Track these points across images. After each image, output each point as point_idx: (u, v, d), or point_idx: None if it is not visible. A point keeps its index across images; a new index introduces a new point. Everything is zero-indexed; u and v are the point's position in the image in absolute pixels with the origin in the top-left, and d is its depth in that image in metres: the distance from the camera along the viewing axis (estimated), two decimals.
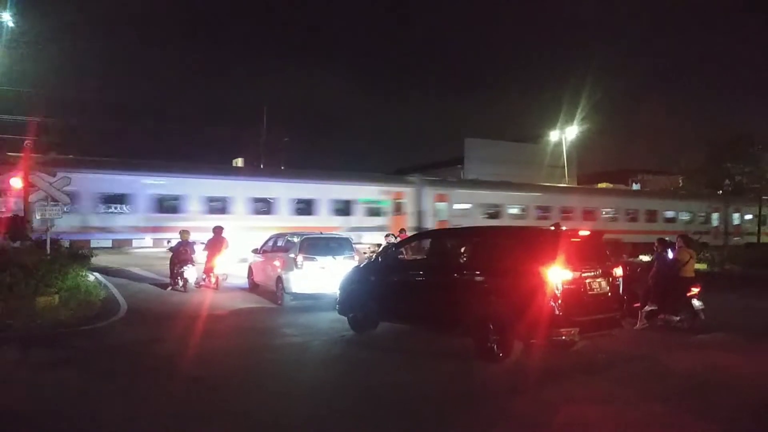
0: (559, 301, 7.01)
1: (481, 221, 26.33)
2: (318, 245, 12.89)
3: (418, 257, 9.42)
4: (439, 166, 46.46)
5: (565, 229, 8.08)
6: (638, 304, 9.78)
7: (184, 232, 14.83)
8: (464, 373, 7.13)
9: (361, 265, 10.38)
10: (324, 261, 12.31)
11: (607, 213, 31.23)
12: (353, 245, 13.46)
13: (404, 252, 9.93)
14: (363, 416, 5.53)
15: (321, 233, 14.63)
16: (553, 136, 41.59)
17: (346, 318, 9.65)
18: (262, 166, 37.83)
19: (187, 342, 8.72)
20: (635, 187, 47.56)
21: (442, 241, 9.34)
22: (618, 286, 7.83)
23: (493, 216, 27.83)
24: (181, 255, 14.18)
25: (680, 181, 46.22)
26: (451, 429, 5.24)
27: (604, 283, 7.63)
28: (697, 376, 6.96)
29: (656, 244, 10.38)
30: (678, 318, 9.71)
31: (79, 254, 15.32)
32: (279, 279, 12.72)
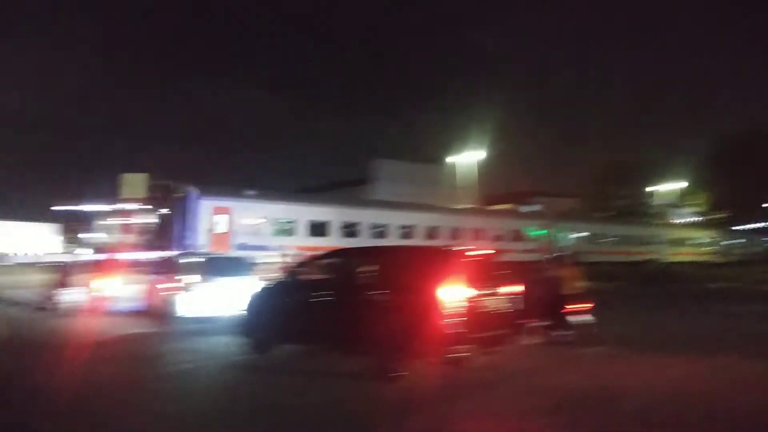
0: (455, 319, 7.18)
1: (272, 239, 22.07)
2: (212, 266, 12.47)
3: (322, 277, 9.33)
4: (347, 185, 46.76)
5: (462, 248, 8.34)
6: (530, 320, 10.24)
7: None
8: (362, 393, 7.08)
9: (267, 286, 10.13)
10: (218, 282, 11.87)
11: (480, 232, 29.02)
12: (251, 265, 13.09)
13: (310, 271, 9.81)
14: None
15: (215, 254, 14.18)
16: (460, 158, 43.16)
17: (246, 340, 9.34)
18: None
19: (67, 371, 8.01)
20: (533, 208, 50.34)
21: (345, 260, 9.31)
22: (513, 303, 8.17)
23: (288, 233, 23.00)
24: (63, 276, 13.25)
25: (575, 203, 49.58)
26: None
27: (500, 301, 7.93)
28: (578, 390, 7.34)
29: (546, 261, 11.00)
30: (567, 333, 10.27)
31: None
32: (169, 302, 12.06)
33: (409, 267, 8.14)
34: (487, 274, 8.01)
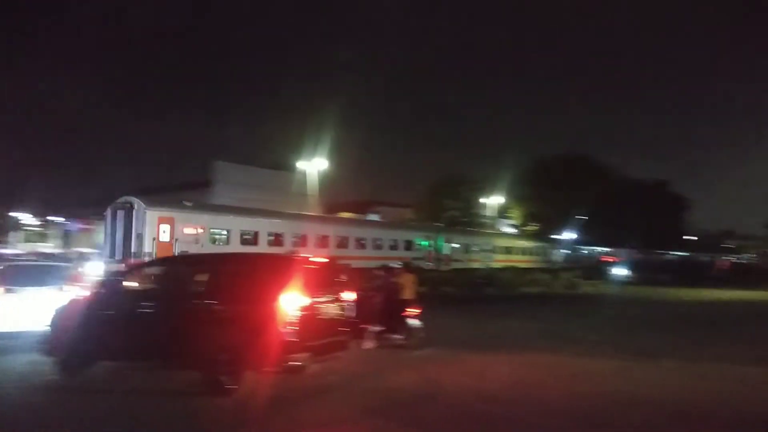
0: (292, 327, 7.07)
1: (211, 248, 22.84)
2: (19, 274, 10.94)
3: (149, 286, 8.60)
4: (188, 188, 44.16)
5: (299, 256, 8.29)
6: (367, 326, 10.54)
7: None
8: (195, 409, 6.66)
9: (79, 297, 9.03)
10: (25, 293, 10.50)
11: (338, 239, 30.82)
12: (67, 273, 11.70)
13: (132, 281, 8.98)
14: None
15: (24, 261, 12.46)
16: (305, 165, 43.09)
17: (53, 359, 8.23)
18: None
19: None
20: (374, 217, 52.13)
21: (173, 269, 8.71)
22: (348, 309, 8.29)
23: (224, 242, 24.25)
24: None
25: (411, 213, 52.31)
26: None
27: (335, 308, 7.99)
28: (413, 389, 7.71)
29: (382, 269, 11.42)
30: (400, 336, 10.74)
31: None
32: None
33: (244, 275, 7.85)
34: (323, 281, 8.02)
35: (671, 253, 69.66)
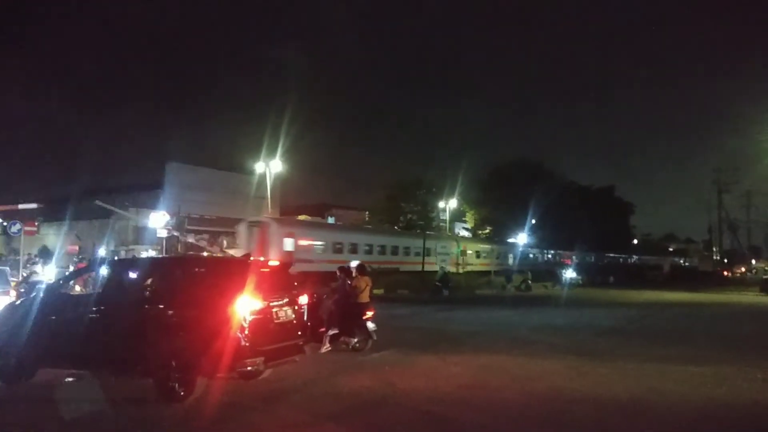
0: (245, 332, 6.98)
1: (318, 255, 29.60)
2: None
3: (92, 291, 8.32)
4: (137, 189, 42.80)
5: (253, 259, 8.20)
6: (323, 329, 10.51)
7: None
8: (145, 417, 6.50)
9: (18, 302, 8.66)
10: None
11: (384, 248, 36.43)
12: (8, 278, 11.23)
13: (80, 285, 8.69)
14: None
15: None
16: (260, 167, 42.42)
17: None
18: None
19: None
20: (330, 220, 51.91)
21: (121, 273, 8.43)
22: (303, 313, 8.25)
23: (321, 251, 30.99)
24: None
25: (366, 216, 52.40)
26: None
27: (289, 311, 7.92)
28: (367, 393, 7.73)
29: (338, 272, 11.39)
30: (356, 340, 10.75)
31: None
32: None
33: (196, 279, 7.73)
34: (277, 284, 7.96)
35: (619, 256, 72.32)
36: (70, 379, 8.07)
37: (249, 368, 7.24)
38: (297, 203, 52.23)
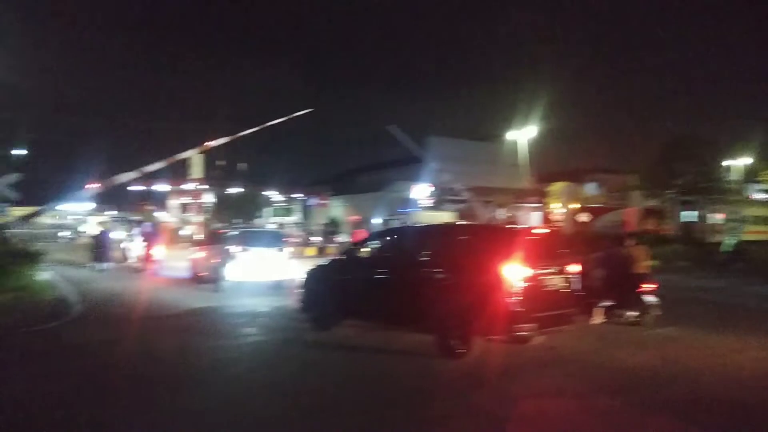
0: (518, 298, 7.14)
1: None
2: (250, 238, 14.53)
3: (381, 255, 9.42)
4: (403, 163, 46.52)
5: (523, 227, 8.23)
6: (594, 300, 10.03)
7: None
8: (428, 370, 7.15)
9: (325, 263, 10.33)
10: (256, 252, 13.93)
11: None
12: (283, 238, 15.48)
13: (368, 249, 9.93)
14: (327, 413, 5.50)
15: (252, 228, 17.99)
16: (512, 135, 41.97)
17: (305, 316, 9.57)
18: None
19: (142, 341, 8.53)
20: (592, 186, 48.81)
21: (404, 239, 9.37)
22: (573, 282, 8.03)
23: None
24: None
25: (633, 180, 47.69)
26: (413, 423, 5.29)
27: (560, 280, 7.81)
28: (647, 369, 7.18)
29: (607, 240, 10.68)
30: (633, 313, 10.00)
31: (31, 253, 14.70)
32: (217, 268, 13.97)
33: (471, 245, 8.13)
34: (547, 253, 7.87)
35: None
36: (365, 330, 9.26)
37: (522, 333, 7.40)
38: (554, 169, 50.44)
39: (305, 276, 10.01)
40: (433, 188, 44.11)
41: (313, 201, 37.00)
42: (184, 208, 30.84)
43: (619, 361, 7.58)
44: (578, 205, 42.73)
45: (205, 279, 14.74)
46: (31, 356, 7.68)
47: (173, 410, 5.52)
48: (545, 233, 8.36)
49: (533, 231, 8.24)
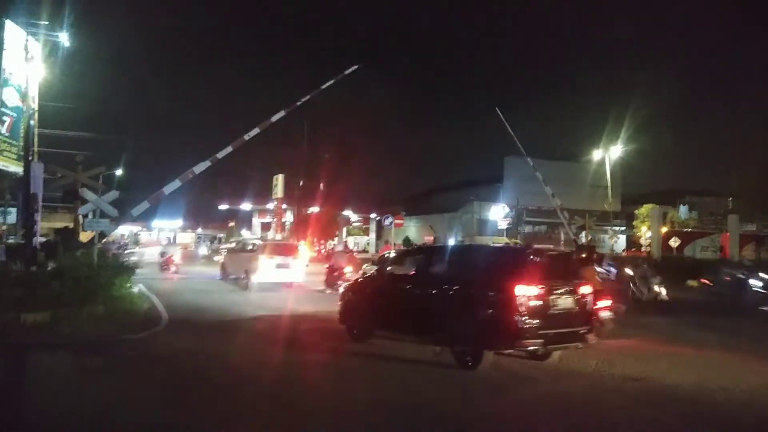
0: (522, 315, 7.61)
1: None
2: (274, 248, 19.28)
3: (408, 271, 10.17)
4: (479, 184, 46.76)
5: (533, 248, 8.72)
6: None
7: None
8: (448, 378, 7.75)
9: (359, 279, 11.29)
10: (279, 260, 18.48)
11: None
12: (300, 249, 19.99)
13: (397, 266, 10.74)
14: (374, 420, 6.02)
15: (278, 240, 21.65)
16: (596, 155, 40.61)
17: (345, 327, 10.36)
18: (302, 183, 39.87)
19: (226, 352, 9.06)
20: (683, 209, 46.28)
21: (427, 257, 10.08)
22: (585, 302, 8.36)
23: None
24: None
25: (729, 203, 44.66)
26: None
27: (570, 299, 8.18)
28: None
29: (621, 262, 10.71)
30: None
31: (124, 266, 15.67)
32: (247, 271, 18.37)
33: (486, 264, 8.74)
34: (557, 273, 8.29)
35: None
36: (396, 342, 9.73)
37: (529, 348, 7.89)
38: (641, 191, 48.41)
39: (344, 289, 11.00)
40: (509, 209, 43.83)
41: (389, 221, 38.18)
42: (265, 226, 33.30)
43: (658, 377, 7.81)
44: (667, 229, 41.00)
45: (233, 279, 19.40)
46: (125, 363, 8.22)
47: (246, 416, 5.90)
48: (556, 255, 8.76)
49: (542, 252, 8.66)
